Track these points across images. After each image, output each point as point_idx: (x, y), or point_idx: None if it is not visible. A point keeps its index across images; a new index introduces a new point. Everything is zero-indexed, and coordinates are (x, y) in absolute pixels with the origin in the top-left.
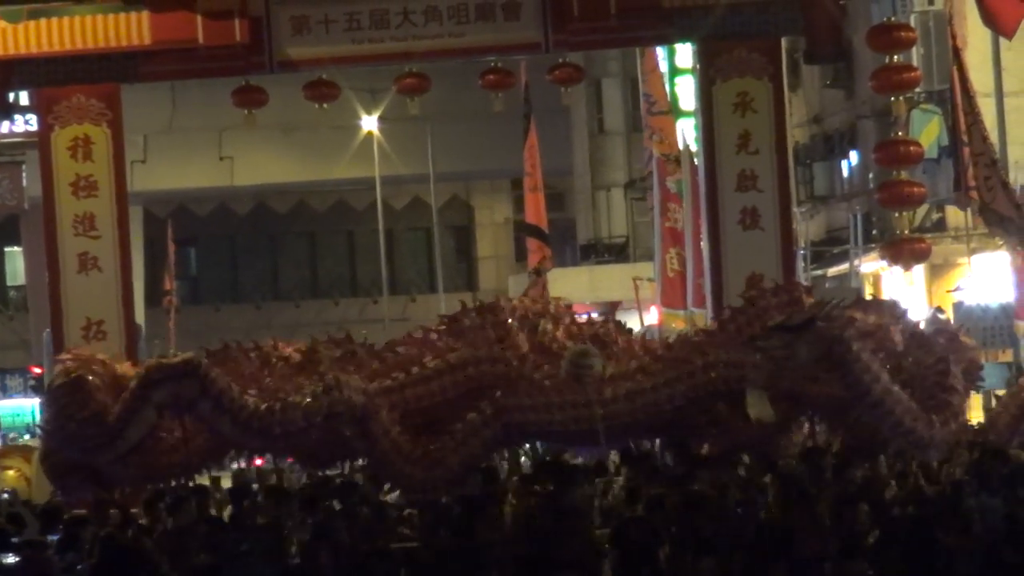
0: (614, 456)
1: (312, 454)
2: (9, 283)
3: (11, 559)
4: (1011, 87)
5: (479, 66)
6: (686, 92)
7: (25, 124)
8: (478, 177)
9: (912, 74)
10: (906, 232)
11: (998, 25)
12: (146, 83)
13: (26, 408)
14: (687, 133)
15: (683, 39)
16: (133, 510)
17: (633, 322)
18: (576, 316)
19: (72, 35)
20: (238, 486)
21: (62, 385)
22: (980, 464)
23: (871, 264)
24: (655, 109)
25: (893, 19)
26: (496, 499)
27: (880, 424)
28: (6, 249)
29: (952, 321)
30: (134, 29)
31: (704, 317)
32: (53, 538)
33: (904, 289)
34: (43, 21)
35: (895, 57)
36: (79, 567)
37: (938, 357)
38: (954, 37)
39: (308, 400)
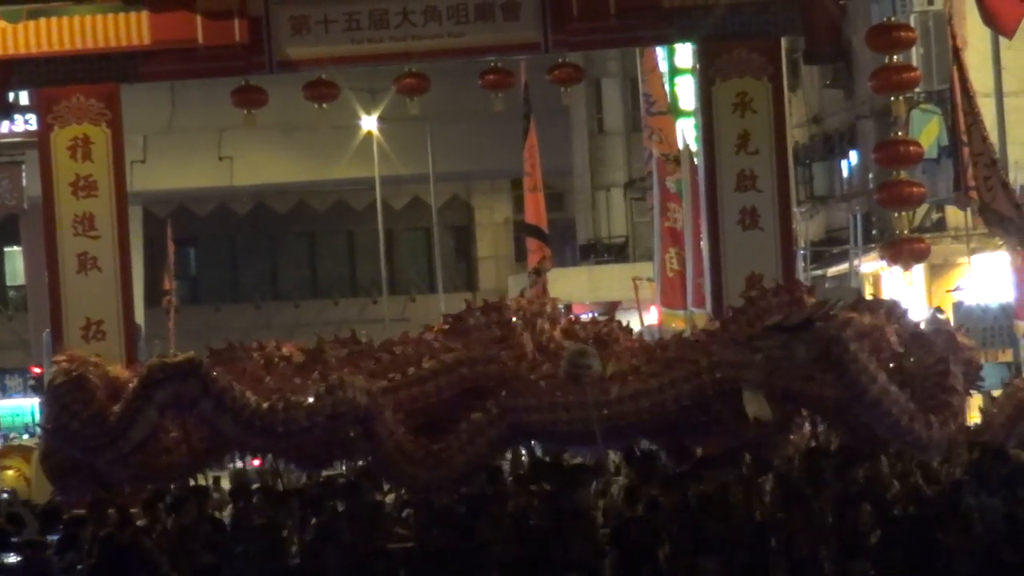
0: (614, 456)
1: (313, 454)
2: (9, 283)
3: (11, 559)
4: (1011, 87)
5: (479, 66)
6: (686, 92)
7: (25, 124)
8: (478, 177)
9: (912, 74)
10: (906, 232)
11: (998, 25)
12: (146, 83)
13: (25, 408)
14: (687, 133)
15: (683, 39)
16: (132, 510)
17: (633, 322)
18: (573, 316)
19: (72, 35)
20: (237, 486)
21: (64, 383)
22: (980, 464)
23: (871, 264)
24: (655, 109)
25: (893, 19)
26: (500, 499)
27: (877, 424)
28: (6, 249)
29: (952, 321)
30: (134, 29)
31: (704, 317)
32: (53, 538)
33: (904, 289)
34: (43, 21)
35: (895, 57)
36: (79, 567)
37: (938, 357)
38: (954, 37)
39: (311, 400)
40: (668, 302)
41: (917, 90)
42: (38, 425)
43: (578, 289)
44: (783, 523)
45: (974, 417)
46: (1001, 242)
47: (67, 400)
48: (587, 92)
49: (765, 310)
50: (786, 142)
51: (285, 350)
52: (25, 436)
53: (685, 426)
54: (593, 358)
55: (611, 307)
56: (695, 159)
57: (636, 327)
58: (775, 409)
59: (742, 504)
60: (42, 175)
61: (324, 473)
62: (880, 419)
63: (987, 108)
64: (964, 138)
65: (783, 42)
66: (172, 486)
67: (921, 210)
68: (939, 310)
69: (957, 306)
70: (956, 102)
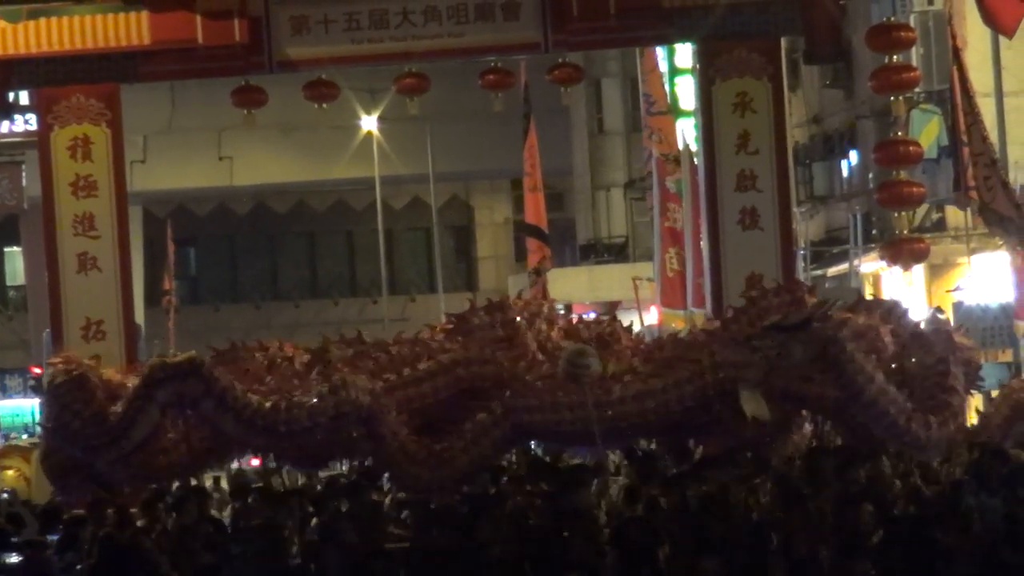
0: (614, 456)
1: (313, 454)
2: (9, 283)
3: (11, 559)
4: (1011, 87)
5: (479, 66)
6: (686, 92)
7: (25, 124)
8: (478, 177)
9: (912, 74)
10: (905, 232)
11: (998, 24)
12: (146, 83)
13: (25, 408)
14: (687, 133)
15: (683, 39)
16: (132, 510)
17: (633, 322)
18: (576, 317)
19: (72, 35)
20: (237, 486)
21: (65, 383)
22: (979, 464)
23: (871, 264)
24: (655, 109)
25: (893, 19)
26: (502, 499)
27: (875, 424)
28: (6, 249)
29: (952, 321)
30: (134, 29)
31: (704, 317)
32: (53, 538)
33: (904, 289)
34: (43, 21)
35: (895, 57)
36: (78, 567)
37: (939, 357)
38: (954, 37)
39: (314, 400)
40: (668, 302)
41: (917, 90)
42: (38, 424)
43: (578, 289)
44: (783, 523)
45: (972, 418)
46: (1001, 242)
47: (68, 399)
48: (587, 92)
49: (766, 310)
50: (786, 142)
51: (288, 350)
52: (24, 436)
53: (688, 426)
54: (592, 358)
55: (611, 307)
56: (695, 159)
57: (636, 327)
58: (774, 409)
59: (742, 504)
60: (42, 175)
61: (327, 473)
62: (877, 419)
63: (987, 108)
64: (964, 138)
65: (783, 42)
66: (172, 486)
67: (921, 210)
68: (939, 310)
69: (957, 306)
70: (956, 102)
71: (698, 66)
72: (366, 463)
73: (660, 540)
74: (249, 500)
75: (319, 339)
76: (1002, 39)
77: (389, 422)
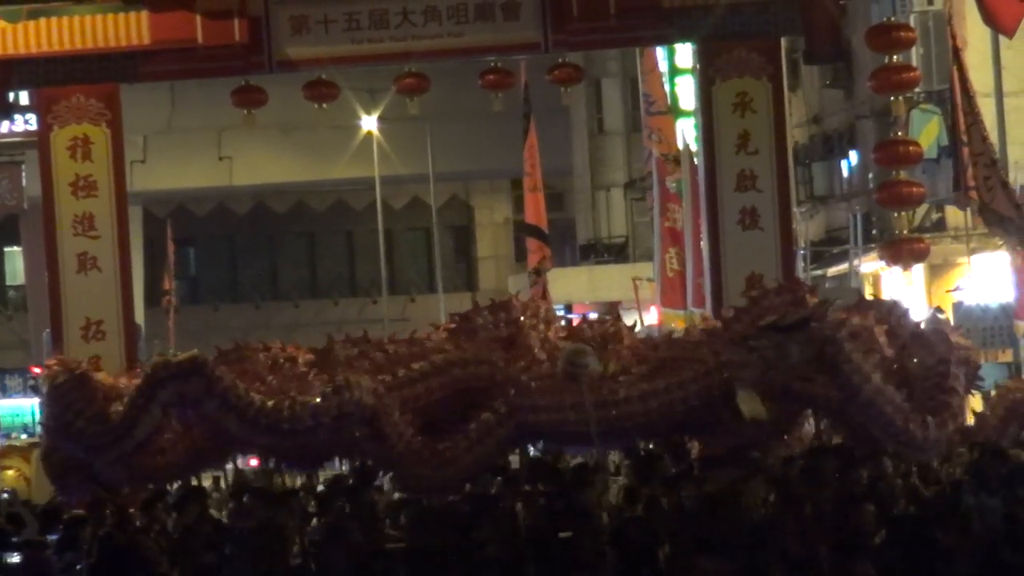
0: (614, 456)
1: (316, 454)
2: (9, 283)
3: (11, 559)
4: (1011, 87)
5: (479, 66)
6: (686, 92)
7: (25, 124)
8: (478, 177)
9: (911, 74)
10: (905, 232)
11: (998, 24)
12: (145, 83)
13: (25, 408)
14: (687, 133)
15: (683, 39)
16: (131, 510)
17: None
18: (579, 317)
19: (72, 35)
20: (237, 486)
21: (66, 382)
22: (979, 464)
23: (871, 264)
24: (654, 109)
25: (892, 19)
26: (505, 499)
27: (872, 425)
28: (6, 249)
29: (952, 321)
30: (133, 29)
31: (701, 317)
32: (53, 538)
33: (904, 289)
34: (42, 21)
35: (894, 57)
36: (78, 567)
37: (939, 358)
38: (954, 37)
39: (318, 400)
40: (668, 302)
41: (917, 90)
42: (38, 424)
43: (578, 289)
44: (783, 523)
45: (970, 419)
46: (1001, 242)
47: (70, 399)
48: (587, 92)
49: (767, 310)
50: (786, 142)
51: (291, 351)
52: (23, 436)
53: (692, 426)
54: (591, 357)
55: (611, 307)
56: (695, 159)
57: (637, 328)
58: (772, 409)
59: (742, 504)
60: (42, 175)
61: (328, 473)
62: (875, 419)
63: (987, 108)
64: (964, 138)
65: (783, 42)
66: (172, 486)
67: (921, 210)
68: (939, 310)
69: (957, 306)
70: (956, 102)
71: (698, 66)
72: (365, 463)
73: (660, 540)
74: (245, 500)
75: (319, 339)
76: (1002, 39)
77: (394, 422)
